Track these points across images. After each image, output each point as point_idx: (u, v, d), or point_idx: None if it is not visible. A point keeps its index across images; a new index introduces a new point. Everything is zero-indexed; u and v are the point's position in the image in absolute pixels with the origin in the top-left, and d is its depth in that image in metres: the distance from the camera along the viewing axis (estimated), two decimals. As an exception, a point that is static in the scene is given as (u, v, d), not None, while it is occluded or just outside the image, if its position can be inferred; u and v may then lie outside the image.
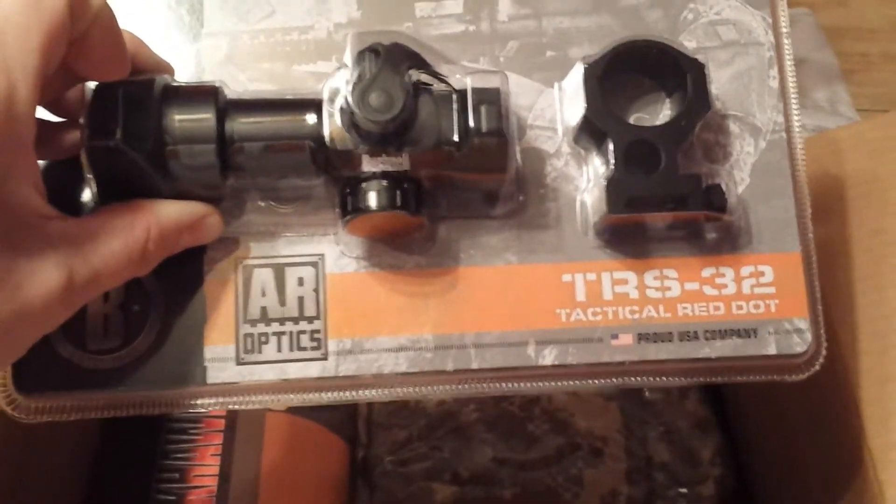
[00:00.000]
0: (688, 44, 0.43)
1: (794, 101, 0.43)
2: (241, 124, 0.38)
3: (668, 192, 0.39)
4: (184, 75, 0.42)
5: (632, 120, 0.42)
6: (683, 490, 0.65)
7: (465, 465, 0.65)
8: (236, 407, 0.40)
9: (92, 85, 0.37)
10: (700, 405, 0.69)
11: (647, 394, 0.67)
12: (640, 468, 0.65)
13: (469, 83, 0.38)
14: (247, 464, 0.60)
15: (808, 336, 0.41)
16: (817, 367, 0.42)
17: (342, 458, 0.65)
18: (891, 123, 0.53)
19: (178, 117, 0.37)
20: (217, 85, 0.39)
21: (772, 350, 0.41)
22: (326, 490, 0.63)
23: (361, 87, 0.36)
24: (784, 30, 0.44)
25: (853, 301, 0.49)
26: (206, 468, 0.61)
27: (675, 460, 0.66)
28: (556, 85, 0.43)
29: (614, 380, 0.41)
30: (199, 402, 0.40)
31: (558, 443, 0.65)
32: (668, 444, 0.66)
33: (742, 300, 0.41)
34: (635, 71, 0.42)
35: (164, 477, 0.61)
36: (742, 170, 0.42)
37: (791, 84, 0.43)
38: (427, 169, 0.38)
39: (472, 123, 0.38)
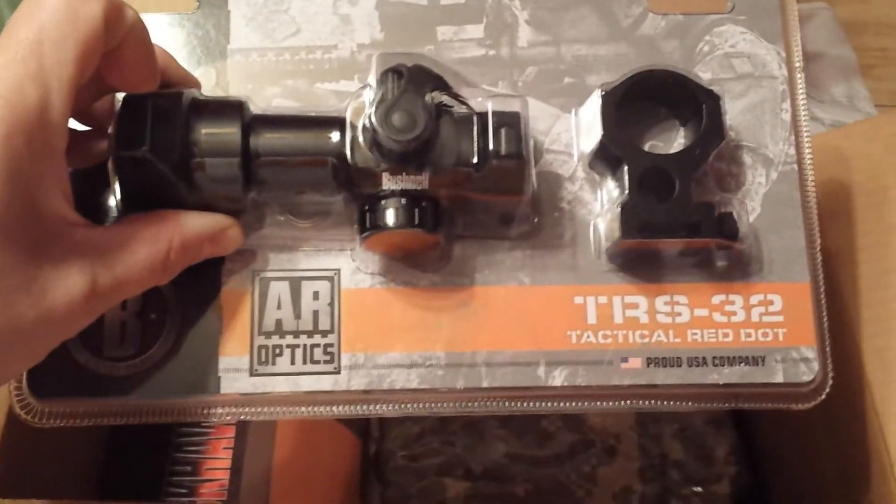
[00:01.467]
0: (703, 75, 0.44)
1: (805, 134, 0.44)
2: (265, 139, 0.39)
3: (681, 219, 0.40)
4: (209, 90, 0.42)
5: (646, 147, 0.43)
6: (698, 489, 0.64)
7: (478, 461, 0.64)
8: (249, 418, 0.41)
9: (121, 96, 0.38)
10: (715, 402, 0.68)
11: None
12: (653, 466, 0.65)
13: (490, 106, 0.39)
14: (259, 458, 0.60)
15: (816, 365, 0.42)
16: (823, 396, 0.42)
17: (354, 453, 0.65)
18: (907, 118, 0.52)
19: (204, 130, 0.38)
20: (243, 100, 0.39)
21: (779, 378, 0.41)
22: (338, 484, 0.63)
23: (385, 107, 0.37)
24: (797, 64, 0.45)
25: (867, 298, 0.49)
26: (218, 461, 0.60)
27: (690, 458, 0.65)
28: (573, 111, 0.44)
29: (623, 403, 0.42)
30: (211, 411, 0.41)
31: (572, 440, 0.65)
32: (683, 441, 0.66)
33: (751, 328, 0.42)
34: (651, 99, 0.43)
35: (177, 470, 0.61)
36: (753, 199, 0.43)
37: (803, 117, 0.44)
38: (446, 189, 0.39)
39: (491, 146, 0.38)
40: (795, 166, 0.44)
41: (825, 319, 0.42)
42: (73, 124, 0.39)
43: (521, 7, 0.45)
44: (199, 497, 0.60)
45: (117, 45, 0.35)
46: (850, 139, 0.54)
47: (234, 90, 0.43)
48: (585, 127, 0.43)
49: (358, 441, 0.66)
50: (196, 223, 0.38)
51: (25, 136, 0.31)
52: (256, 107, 0.40)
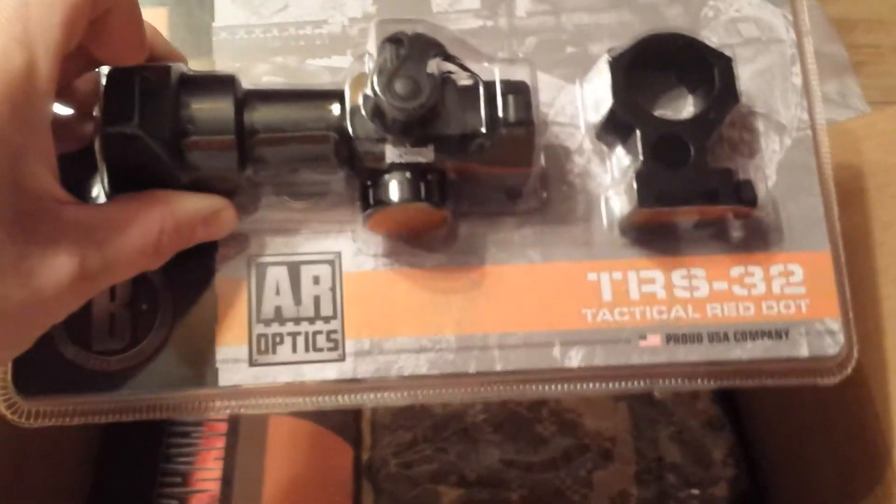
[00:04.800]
0: (709, 40, 0.42)
1: (817, 98, 0.43)
2: (261, 114, 0.37)
3: (699, 185, 0.38)
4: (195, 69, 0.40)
5: (656, 116, 0.41)
6: (695, 491, 0.64)
7: (472, 468, 0.63)
8: (249, 411, 0.38)
9: (106, 70, 0.35)
10: (711, 404, 0.67)
11: (656, 393, 0.65)
12: (650, 469, 0.64)
13: (497, 73, 0.37)
14: (250, 468, 0.60)
15: (841, 337, 0.40)
16: (849, 371, 0.40)
17: (346, 461, 0.64)
18: (903, 115, 0.52)
19: (196, 106, 0.36)
20: (234, 74, 0.37)
21: (804, 352, 0.40)
22: (331, 493, 0.62)
23: (387, 75, 0.35)
24: (805, 27, 0.43)
25: (868, 295, 0.47)
26: (208, 472, 0.60)
27: (687, 461, 0.64)
28: (577, 81, 0.42)
29: (642, 382, 0.40)
30: (209, 405, 0.39)
31: (566, 444, 0.64)
32: (679, 444, 0.65)
33: (772, 300, 0.40)
34: (659, 65, 0.41)
35: (167, 481, 0.60)
36: (768, 167, 0.41)
37: (814, 81, 0.43)
38: (452, 161, 0.37)
39: (500, 113, 0.37)
40: (809, 132, 0.42)
41: (847, 289, 0.41)
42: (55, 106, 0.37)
43: (519, -24, 0.43)
44: (191, 508, 0.59)
45: (104, 12, 0.32)
46: (843, 136, 0.53)
47: (221, 69, 0.41)
48: (592, 97, 0.41)
49: (350, 449, 0.64)
50: (189, 204, 0.36)
51: (10, 103, 0.29)
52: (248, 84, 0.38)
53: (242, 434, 0.59)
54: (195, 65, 0.40)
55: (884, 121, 0.52)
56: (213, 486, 0.59)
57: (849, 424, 0.50)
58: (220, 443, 0.59)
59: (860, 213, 0.50)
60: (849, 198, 0.49)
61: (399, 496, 0.63)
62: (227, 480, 0.60)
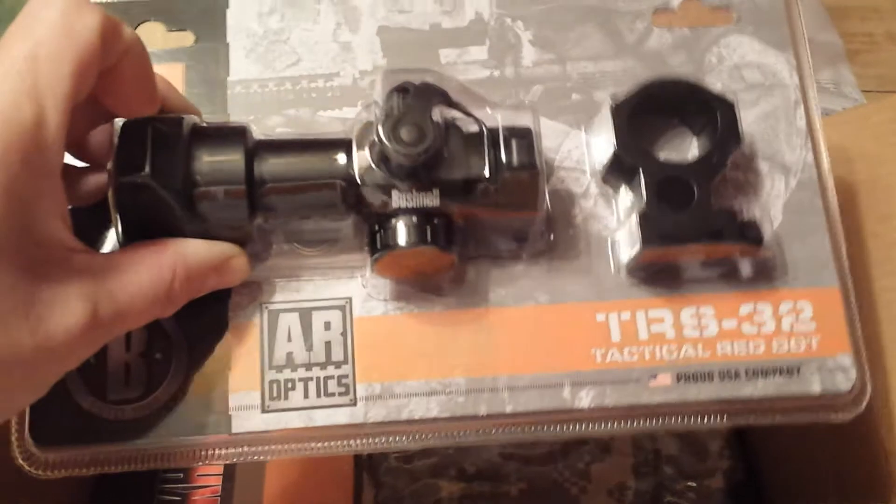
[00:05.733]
0: (713, 86, 0.43)
1: (822, 140, 0.43)
2: (271, 164, 0.37)
3: (702, 225, 0.39)
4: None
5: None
6: (692, 483, 0.64)
7: (471, 461, 0.64)
8: (262, 457, 0.39)
9: (120, 122, 0.36)
10: (708, 398, 0.68)
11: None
12: (647, 461, 0.64)
13: (500, 119, 0.38)
14: (251, 463, 0.59)
15: (853, 373, 0.40)
16: (863, 407, 0.40)
17: (347, 456, 0.64)
18: (896, 106, 0.52)
19: (207, 157, 0.36)
20: (245, 125, 0.38)
21: (816, 389, 0.40)
22: (332, 488, 0.62)
23: (392, 122, 0.36)
24: (808, 70, 0.44)
25: (864, 288, 0.47)
26: (209, 468, 0.60)
27: (684, 453, 0.65)
28: (582, 127, 0.43)
29: (653, 421, 0.40)
30: (224, 452, 0.39)
31: None
32: (676, 437, 0.65)
33: (783, 338, 0.40)
34: (663, 110, 0.42)
35: (169, 477, 0.60)
36: (774, 207, 0.42)
37: (818, 124, 0.43)
38: (458, 205, 0.38)
39: (503, 158, 0.37)
40: (814, 173, 0.42)
41: (858, 325, 0.41)
42: (70, 160, 0.38)
43: (525, 27, 0.44)
44: (192, 504, 0.60)
45: (115, 64, 0.33)
46: (838, 128, 0.53)
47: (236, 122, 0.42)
48: (597, 142, 0.42)
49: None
50: (201, 252, 0.37)
51: (21, 153, 0.30)
52: (260, 133, 0.39)
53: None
54: (211, 118, 0.41)
55: (877, 112, 0.52)
56: (215, 482, 0.60)
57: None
58: (222, 438, 0.60)
59: (855, 205, 0.49)
60: (845, 190, 0.49)
61: (399, 490, 0.63)
62: (228, 476, 0.60)
